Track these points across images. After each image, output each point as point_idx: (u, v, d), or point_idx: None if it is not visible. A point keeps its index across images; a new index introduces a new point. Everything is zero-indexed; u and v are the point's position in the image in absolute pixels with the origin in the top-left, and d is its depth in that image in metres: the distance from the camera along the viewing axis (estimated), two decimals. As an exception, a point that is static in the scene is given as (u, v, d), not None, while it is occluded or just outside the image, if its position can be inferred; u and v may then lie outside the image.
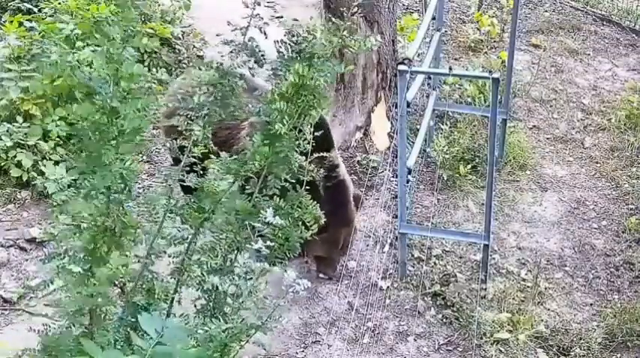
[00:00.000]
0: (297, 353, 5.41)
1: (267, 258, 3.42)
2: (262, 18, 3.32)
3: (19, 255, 5.99)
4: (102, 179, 2.99)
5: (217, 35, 7.08)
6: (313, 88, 3.24)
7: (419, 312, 5.73)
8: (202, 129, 3.35)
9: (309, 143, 3.36)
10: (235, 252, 3.51)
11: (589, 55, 8.88)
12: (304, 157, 3.39)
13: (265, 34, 3.27)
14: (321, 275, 5.96)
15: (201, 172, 3.48)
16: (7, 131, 6.38)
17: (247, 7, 3.29)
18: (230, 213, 3.44)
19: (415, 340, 5.55)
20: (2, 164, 6.37)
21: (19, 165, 6.33)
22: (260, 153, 3.32)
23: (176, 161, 3.53)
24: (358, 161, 7.02)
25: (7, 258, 5.94)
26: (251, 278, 3.44)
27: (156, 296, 3.41)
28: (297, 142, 3.31)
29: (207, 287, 3.51)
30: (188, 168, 3.41)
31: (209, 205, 3.38)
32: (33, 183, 6.30)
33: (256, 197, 3.45)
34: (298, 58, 3.23)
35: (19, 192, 6.40)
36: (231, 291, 3.41)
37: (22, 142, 6.36)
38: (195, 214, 3.40)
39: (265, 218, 3.26)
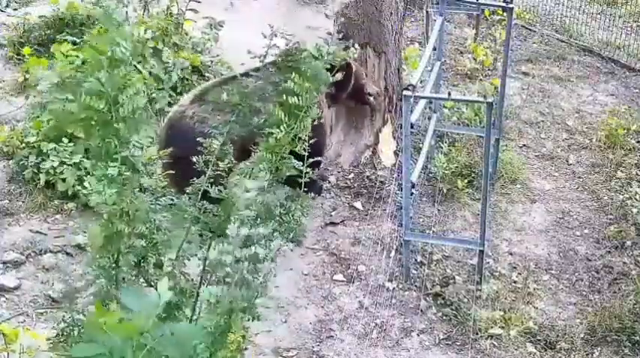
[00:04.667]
0: (313, 346, 5.44)
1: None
2: (279, 47, 3.38)
3: (66, 259, 5.99)
4: (111, 167, 3.00)
5: (241, 64, 7.07)
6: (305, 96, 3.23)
7: (421, 310, 5.76)
8: (221, 146, 3.34)
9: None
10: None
11: (573, 81, 8.88)
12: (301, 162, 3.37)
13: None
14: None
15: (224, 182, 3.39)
16: (55, 149, 6.41)
17: (265, 37, 3.37)
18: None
19: (418, 335, 5.59)
20: (50, 179, 6.40)
21: (64, 180, 6.32)
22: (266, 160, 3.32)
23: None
24: (367, 176, 7.02)
25: (56, 262, 5.94)
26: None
27: (186, 294, 3.34)
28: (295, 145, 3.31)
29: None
30: (212, 180, 3.37)
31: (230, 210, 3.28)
32: (78, 195, 6.21)
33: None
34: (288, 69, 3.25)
35: (66, 204, 6.38)
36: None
37: (67, 160, 6.37)
38: (217, 219, 3.35)
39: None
